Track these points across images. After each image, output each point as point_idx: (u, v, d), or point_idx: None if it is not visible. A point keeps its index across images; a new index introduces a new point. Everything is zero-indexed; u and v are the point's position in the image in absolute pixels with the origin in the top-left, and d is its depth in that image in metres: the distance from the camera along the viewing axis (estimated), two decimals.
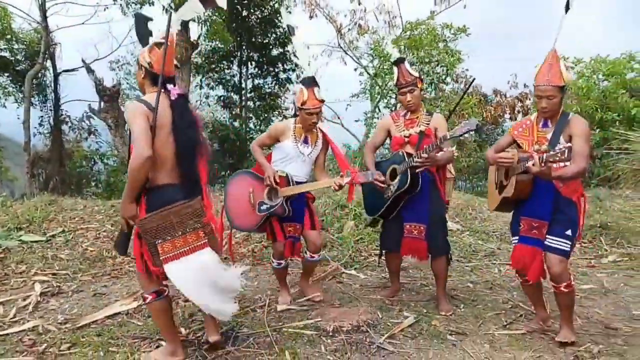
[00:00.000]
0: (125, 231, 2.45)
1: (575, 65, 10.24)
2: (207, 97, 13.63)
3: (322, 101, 3.20)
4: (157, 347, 2.75)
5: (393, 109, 12.25)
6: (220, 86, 13.32)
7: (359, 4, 12.53)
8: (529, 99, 12.52)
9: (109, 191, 13.08)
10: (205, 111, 14.15)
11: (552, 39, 2.73)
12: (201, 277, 2.35)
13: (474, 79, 3.83)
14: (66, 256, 4.49)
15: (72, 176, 13.53)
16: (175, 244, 2.32)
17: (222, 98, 13.42)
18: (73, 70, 12.47)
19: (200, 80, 13.20)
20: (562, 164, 2.51)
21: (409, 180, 3.13)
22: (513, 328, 3.03)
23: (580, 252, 4.74)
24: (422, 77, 3.46)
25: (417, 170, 3.18)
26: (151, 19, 2.91)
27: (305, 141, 3.29)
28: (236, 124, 13.16)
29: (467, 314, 3.28)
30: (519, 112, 12.64)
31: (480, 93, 12.17)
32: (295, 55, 12.60)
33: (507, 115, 12.50)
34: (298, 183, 3.22)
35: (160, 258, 2.29)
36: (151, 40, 2.52)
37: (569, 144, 2.39)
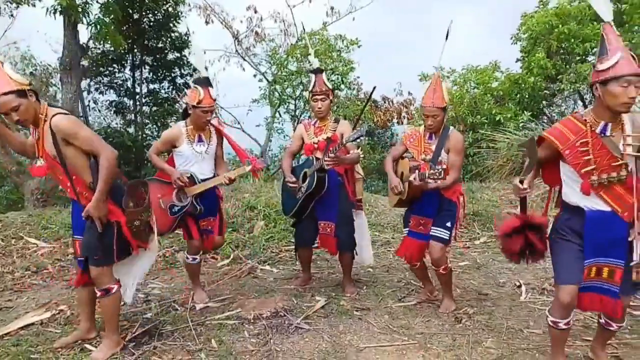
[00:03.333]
0: (101, 232, 2.53)
1: (450, 74, 11.62)
2: (95, 102, 12.92)
3: (215, 100, 3.38)
4: (81, 350, 2.80)
5: (292, 114, 12.75)
6: (112, 90, 12.70)
7: (255, 12, 12.81)
8: (413, 105, 13.83)
9: None
10: (93, 117, 13.43)
11: (430, 49, 3.31)
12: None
13: (375, 87, 4.29)
14: None
15: None
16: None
17: (113, 103, 12.80)
18: None
19: (88, 85, 12.49)
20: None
21: (315, 182, 3.50)
22: (407, 301, 3.58)
23: (457, 236, 5.53)
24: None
25: (326, 170, 3.52)
26: None
27: (200, 139, 3.41)
28: (131, 130, 12.66)
29: (369, 293, 3.77)
30: (404, 117, 13.89)
31: (371, 100, 13.13)
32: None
33: (395, 120, 13.65)
34: (204, 181, 3.38)
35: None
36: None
37: (444, 166, 2.92)
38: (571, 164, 2.18)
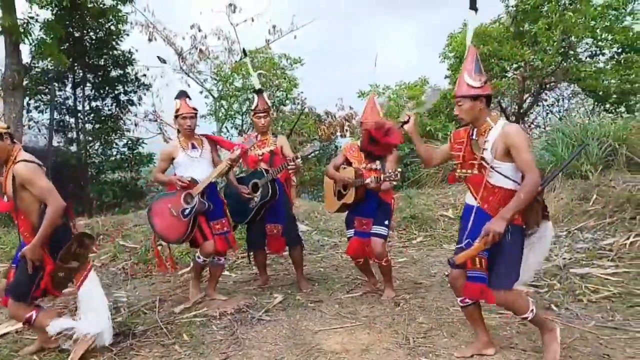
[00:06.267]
0: (31, 273, 2.74)
1: (385, 91, 12.50)
2: (36, 122, 12.60)
3: (195, 109, 3.78)
4: (60, 350, 3.05)
5: (240, 129, 13.08)
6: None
7: (199, 30, 13.09)
8: (354, 119, 14.56)
9: None
10: (33, 136, 13.05)
11: (366, 64, 3.88)
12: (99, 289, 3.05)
13: (304, 108, 4.76)
14: None
15: None
16: (83, 268, 2.94)
17: (54, 122, 12.55)
18: None
19: (27, 104, 12.18)
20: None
21: (270, 191, 3.94)
22: (354, 292, 4.09)
23: (397, 237, 6.16)
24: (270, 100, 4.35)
25: (276, 180, 4.00)
26: None
27: (193, 146, 3.79)
28: (73, 148, 12.46)
29: (321, 288, 4.25)
30: (347, 130, 14.57)
31: (315, 114, 13.74)
32: (137, 78, 12.45)
33: (338, 133, 14.30)
34: None
35: (75, 283, 2.91)
36: None
37: (399, 170, 3.48)
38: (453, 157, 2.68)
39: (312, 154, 4.08)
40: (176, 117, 3.72)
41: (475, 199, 2.56)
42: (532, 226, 2.55)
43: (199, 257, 3.90)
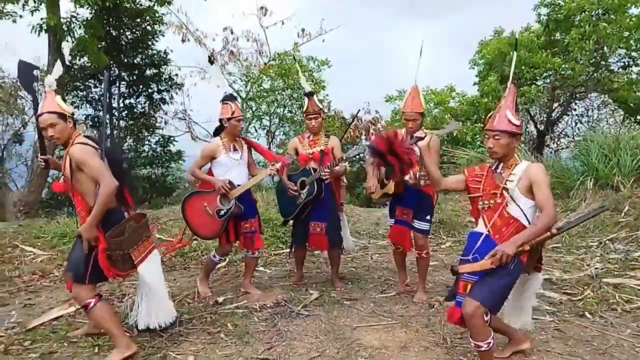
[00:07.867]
0: (86, 253, 2.76)
1: None
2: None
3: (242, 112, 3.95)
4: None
5: (267, 129, 13.31)
6: (88, 105, 12.91)
7: (232, 32, 13.36)
8: (380, 123, 14.64)
9: None
10: None
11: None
12: (159, 269, 3.08)
13: (360, 110, 4.88)
14: None
15: None
16: (143, 247, 2.97)
17: (89, 117, 12.98)
18: None
19: (63, 99, 12.61)
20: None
21: (315, 189, 4.09)
22: (387, 292, 4.20)
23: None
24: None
25: (324, 180, 4.12)
26: (37, 67, 3.20)
27: (235, 148, 3.93)
28: (107, 144, 12.85)
29: (354, 287, 4.36)
30: (372, 134, 14.66)
31: (341, 117, 13.88)
32: (170, 77, 12.75)
33: (363, 137, 14.39)
34: (240, 186, 3.87)
35: (135, 262, 2.90)
36: (38, 86, 2.91)
37: None
38: (470, 190, 2.71)
39: (357, 156, 4.16)
40: (229, 119, 3.83)
41: (486, 226, 2.58)
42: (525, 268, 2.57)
43: (214, 256, 4.08)
